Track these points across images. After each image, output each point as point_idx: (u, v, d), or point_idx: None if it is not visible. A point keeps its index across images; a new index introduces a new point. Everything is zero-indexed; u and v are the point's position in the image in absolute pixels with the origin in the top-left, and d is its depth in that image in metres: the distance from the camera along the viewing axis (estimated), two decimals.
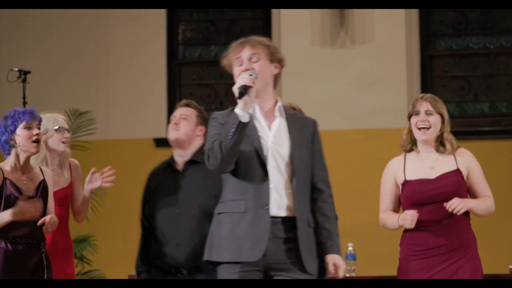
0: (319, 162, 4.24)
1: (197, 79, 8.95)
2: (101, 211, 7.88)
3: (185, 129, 5.05)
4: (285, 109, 4.26)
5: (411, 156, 4.85)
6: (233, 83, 4.16)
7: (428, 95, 4.88)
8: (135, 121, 8.75)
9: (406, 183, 4.78)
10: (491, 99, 8.62)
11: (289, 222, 4.08)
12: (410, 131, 4.85)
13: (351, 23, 8.33)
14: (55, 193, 4.85)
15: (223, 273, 4.09)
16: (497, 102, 8.61)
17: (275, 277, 4.08)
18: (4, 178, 4.51)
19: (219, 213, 4.15)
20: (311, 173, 4.20)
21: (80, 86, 8.80)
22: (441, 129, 4.80)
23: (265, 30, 8.83)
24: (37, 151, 4.65)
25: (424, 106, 4.79)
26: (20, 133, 4.56)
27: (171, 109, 8.83)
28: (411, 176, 4.78)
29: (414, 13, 8.56)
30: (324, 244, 4.17)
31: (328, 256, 4.16)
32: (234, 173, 4.11)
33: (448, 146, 4.79)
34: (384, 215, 4.85)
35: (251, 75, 4.07)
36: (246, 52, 4.25)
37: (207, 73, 8.93)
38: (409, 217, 4.65)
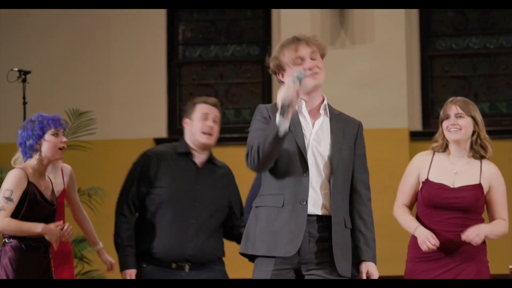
0: (361, 165, 4.23)
1: (197, 79, 8.95)
2: (101, 211, 7.87)
3: (217, 134, 5.02)
4: (330, 108, 4.25)
5: (440, 155, 4.83)
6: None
7: (459, 98, 4.85)
8: (135, 121, 8.75)
9: (426, 182, 4.77)
10: (491, 99, 8.62)
11: (324, 221, 4.04)
12: (443, 135, 4.82)
13: (351, 23, 8.32)
14: None
15: (258, 267, 4.06)
16: (497, 102, 8.61)
17: (307, 276, 4.04)
18: (29, 182, 4.52)
19: (257, 207, 4.12)
20: (352, 175, 4.18)
21: (80, 86, 8.80)
22: (474, 131, 4.77)
23: (265, 30, 8.83)
24: (61, 158, 4.68)
25: (453, 110, 4.77)
26: (49, 139, 4.56)
27: (171, 109, 8.85)
28: (434, 177, 4.76)
29: (414, 13, 8.56)
30: (359, 249, 4.12)
31: (362, 264, 4.11)
32: (275, 167, 4.06)
33: (489, 147, 4.77)
34: (401, 213, 4.82)
35: (298, 78, 3.95)
36: (305, 50, 4.19)
37: (207, 73, 8.93)
38: (428, 243, 4.61)
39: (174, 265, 4.86)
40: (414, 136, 8.12)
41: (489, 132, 8.17)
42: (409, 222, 4.77)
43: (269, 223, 4.02)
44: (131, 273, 4.92)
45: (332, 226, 4.03)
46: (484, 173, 4.75)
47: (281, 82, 4.19)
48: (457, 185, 4.71)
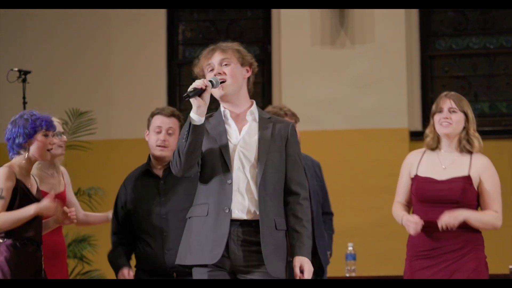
0: (294, 165, 4.22)
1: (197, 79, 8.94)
2: (101, 211, 7.87)
3: (173, 145, 5.05)
4: (260, 113, 4.26)
5: (430, 152, 4.84)
6: None
7: (452, 93, 4.88)
8: (135, 121, 8.74)
9: (415, 178, 4.79)
10: (491, 99, 8.62)
11: (253, 225, 4.09)
12: (434, 129, 4.83)
13: (351, 23, 8.32)
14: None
15: (194, 275, 4.14)
16: (497, 102, 8.62)
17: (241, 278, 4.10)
18: (17, 179, 4.52)
19: (189, 217, 4.21)
20: (285, 176, 4.19)
21: (80, 86, 8.80)
22: (465, 127, 4.78)
23: (265, 30, 8.83)
24: (49, 159, 4.68)
25: (447, 104, 4.79)
26: (40, 140, 4.56)
27: None
28: (422, 172, 4.78)
29: (414, 13, 8.56)
30: (293, 246, 4.16)
31: (295, 258, 4.14)
32: (201, 177, 4.16)
33: (476, 143, 4.77)
34: (395, 207, 4.86)
35: (210, 81, 4.10)
36: (216, 57, 4.25)
37: None
38: (412, 224, 4.65)
39: (163, 273, 4.93)
40: (414, 136, 8.12)
41: (489, 132, 8.23)
42: (398, 212, 4.80)
43: (196, 232, 4.11)
44: (123, 272, 4.96)
45: (260, 229, 4.07)
46: (474, 165, 4.75)
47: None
48: (444, 178, 4.72)
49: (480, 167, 4.75)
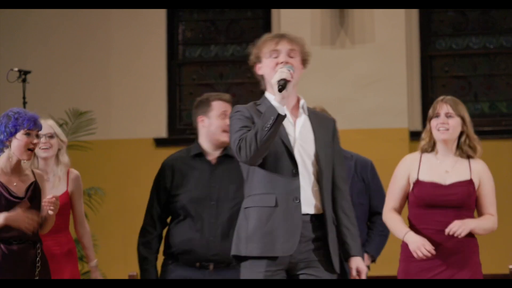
0: (339, 160, 4.23)
1: (197, 79, 8.94)
2: (101, 211, 7.88)
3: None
4: (308, 107, 4.26)
5: (428, 156, 4.82)
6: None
7: (449, 97, 4.85)
8: (135, 121, 8.75)
9: (418, 183, 4.76)
10: (491, 99, 8.62)
11: (315, 220, 4.05)
12: (430, 133, 4.82)
13: (351, 23, 8.32)
14: None
15: (248, 270, 4.03)
16: (497, 102, 8.61)
17: (301, 276, 4.04)
18: None
19: (246, 208, 4.09)
20: (332, 171, 4.18)
21: (80, 86, 8.79)
22: (464, 131, 4.77)
23: (265, 30, 8.82)
24: (29, 159, 4.62)
25: (444, 109, 4.77)
26: (20, 138, 4.54)
27: (171, 109, 8.85)
28: (425, 177, 4.75)
29: (414, 13, 8.56)
30: (347, 244, 4.14)
31: (351, 259, 4.13)
32: (263, 166, 4.05)
33: (478, 148, 4.76)
34: (389, 218, 4.81)
35: (289, 70, 4.02)
36: (285, 46, 4.15)
37: (207, 73, 8.93)
38: (424, 252, 4.60)
39: (198, 264, 4.86)
40: (414, 136, 8.12)
41: (489, 132, 8.23)
42: (398, 227, 4.76)
43: (262, 223, 4.00)
44: None
45: (326, 224, 4.04)
46: (474, 169, 4.75)
47: (258, 75, 4.21)
48: (448, 182, 4.71)
49: (479, 171, 4.75)
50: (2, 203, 4.48)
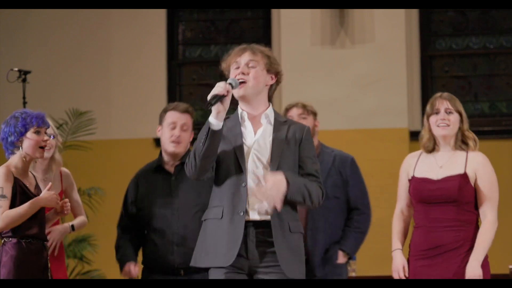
0: (309, 165, 4.22)
1: (197, 79, 8.95)
2: (101, 211, 7.88)
3: (186, 142, 5.10)
4: (276, 116, 4.28)
5: (427, 154, 4.85)
6: None
7: (446, 93, 4.88)
8: (135, 121, 8.76)
9: (412, 179, 4.80)
10: (491, 99, 8.63)
11: (267, 226, 4.10)
12: (429, 130, 4.84)
13: (351, 23, 8.33)
14: None
15: (212, 276, 4.14)
16: (497, 102, 8.62)
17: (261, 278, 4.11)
18: (15, 178, 4.53)
19: (203, 220, 4.22)
20: (302, 170, 4.21)
21: (80, 86, 8.80)
22: (460, 127, 4.79)
23: (265, 30, 8.83)
24: (42, 157, 4.66)
25: (444, 105, 4.79)
26: (30, 137, 4.56)
27: None
28: (419, 173, 4.79)
29: (414, 13, 8.56)
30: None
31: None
32: (215, 180, 4.17)
33: (471, 143, 4.78)
34: (393, 224, 4.89)
35: (230, 83, 4.09)
36: (245, 57, 4.24)
37: (207, 73, 8.94)
38: (400, 275, 4.71)
39: (170, 271, 4.94)
40: (414, 136, 8.11)
41: (489, 132, 8.23)
42: (393, 239, 4.85)
43: (211, 235, 4.12)
44: (129, 267, 4.97)
45: (272, 230, 4.09)
46: (470, 163, 4.75)
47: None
48: (442, 176, 4.73)
49: (476, 164, 4.75)
50: (24, 201, 4.52)
